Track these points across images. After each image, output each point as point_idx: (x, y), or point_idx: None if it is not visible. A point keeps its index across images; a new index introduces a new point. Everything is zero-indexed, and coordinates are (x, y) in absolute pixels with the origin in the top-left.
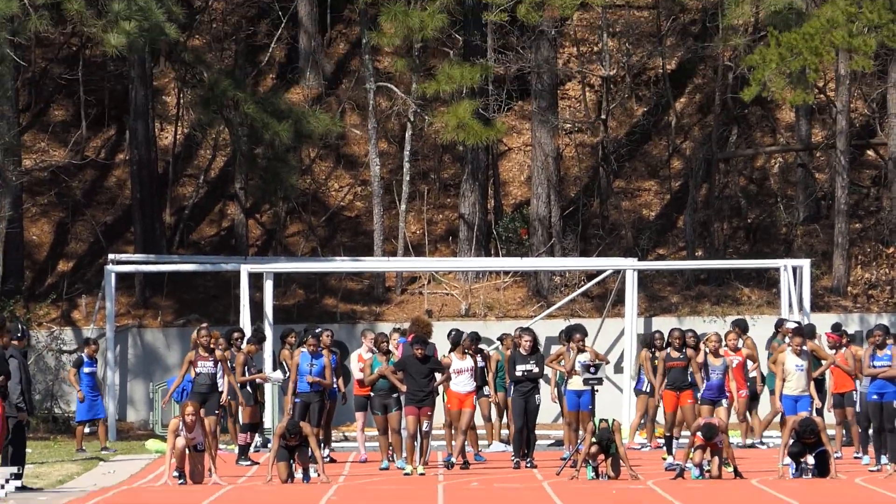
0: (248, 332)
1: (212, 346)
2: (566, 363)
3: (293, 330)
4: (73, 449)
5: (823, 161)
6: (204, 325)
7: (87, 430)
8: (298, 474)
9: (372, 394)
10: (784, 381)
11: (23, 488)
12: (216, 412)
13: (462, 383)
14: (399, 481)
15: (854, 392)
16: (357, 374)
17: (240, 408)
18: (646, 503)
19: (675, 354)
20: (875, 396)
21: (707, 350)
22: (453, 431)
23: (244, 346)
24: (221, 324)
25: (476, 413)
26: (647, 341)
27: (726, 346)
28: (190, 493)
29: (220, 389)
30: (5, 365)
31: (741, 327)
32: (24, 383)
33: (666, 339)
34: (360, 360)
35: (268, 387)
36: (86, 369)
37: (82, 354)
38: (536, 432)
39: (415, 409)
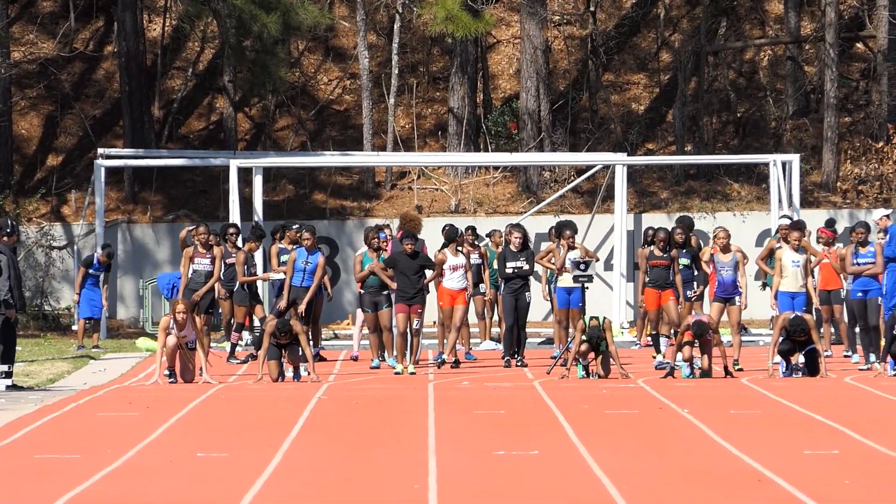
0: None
1: (210, 242)
2: (556, 260)
3: (284, 226)
4: (65, 346)
5: (812, 54)
6: (201, 224)
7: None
8: (289, 373)
9: (362, 291)
10: (781, 277)
11: (13, 387)
12: (209, 311)
13: (455, 280)
14: (390, 380)
15: (841, 289)
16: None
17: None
18: (636, 402)
19: (658, 253)
20: (860, 294)
21: (717, 247)
22: (444, 329)
23: (244, 244)
24: (211, 219)
25: (470, 311)
26: (645, 238)
27: (714, 243)
28: (181, 391)
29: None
30: None
31: (686, 224)
32: (13, 280)
33: (651, 237)
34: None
35: (260, 284)
36: (91, 271)
37: (94, 255)
38: (527, 330)
39: (405, 306)
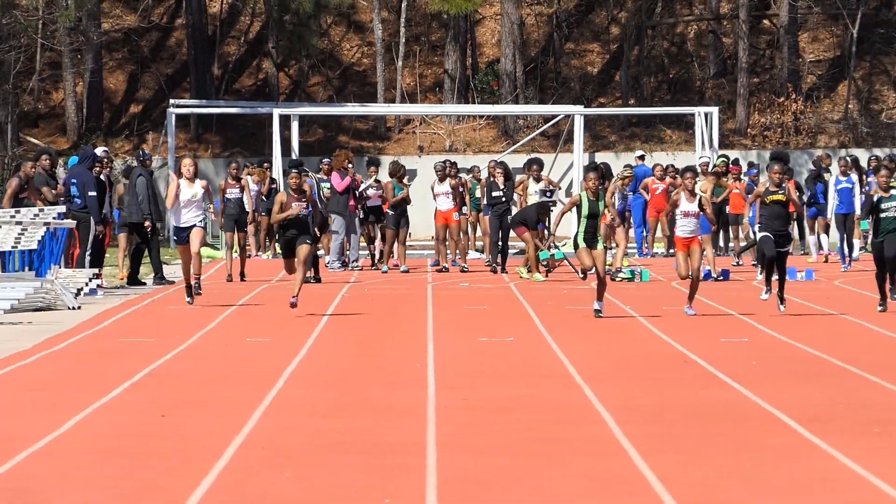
0: (277, 165)
1: (239, 175)
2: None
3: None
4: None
5: (729, 28)
6: (236, 160)
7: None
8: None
9: (391, 211)
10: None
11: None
12: (244, 230)
13: (442, 203)
14: (398, 282)
15: (743, 215)
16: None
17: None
18: (590, 300)
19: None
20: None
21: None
22: (440, 242)
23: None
24: (258, 155)
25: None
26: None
27: (654, 175)
28: (233, 290)
29: (247, 211)
30: (101, 184)
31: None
32: (150, 197)
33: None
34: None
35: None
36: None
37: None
38: (508, 244)
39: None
